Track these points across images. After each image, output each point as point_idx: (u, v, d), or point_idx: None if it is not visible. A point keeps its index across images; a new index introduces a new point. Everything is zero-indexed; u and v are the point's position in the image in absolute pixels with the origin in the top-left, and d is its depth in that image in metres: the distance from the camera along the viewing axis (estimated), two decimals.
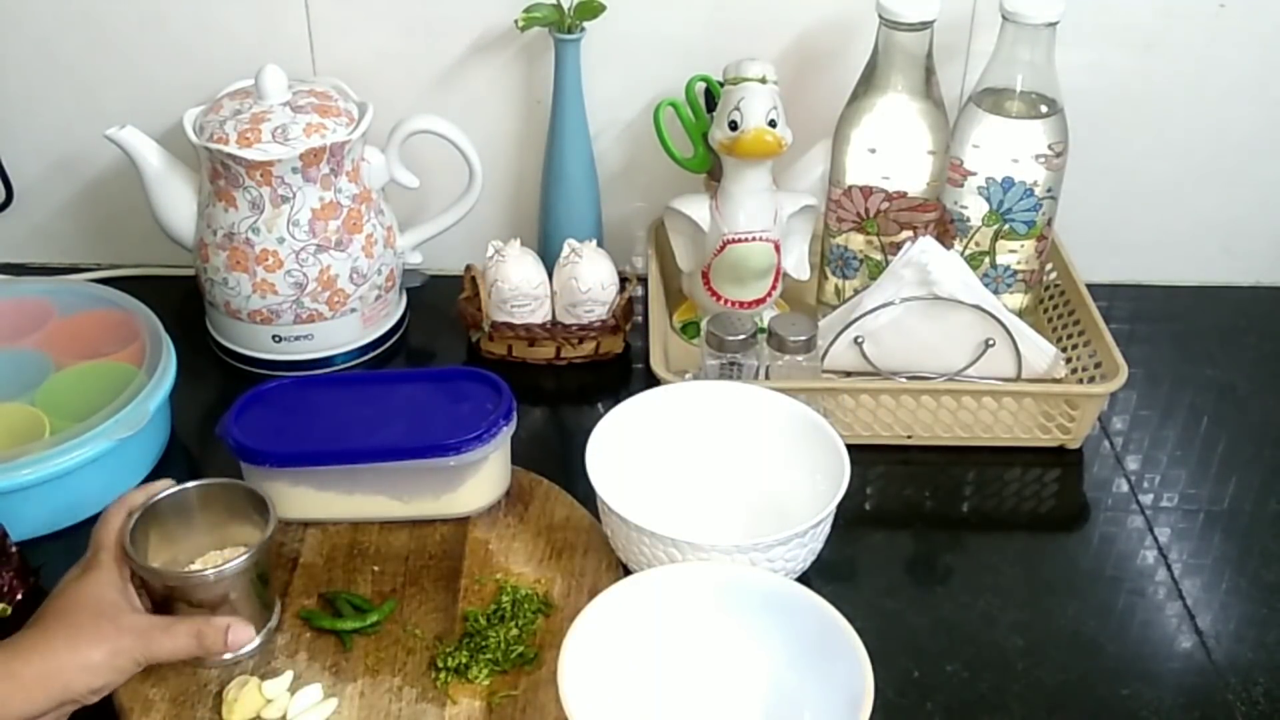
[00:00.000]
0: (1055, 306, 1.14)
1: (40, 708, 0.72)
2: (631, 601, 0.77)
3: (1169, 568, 0.92)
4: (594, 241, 1.11)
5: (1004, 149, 1.04)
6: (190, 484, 0.85)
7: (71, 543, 0.92)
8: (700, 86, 1.11)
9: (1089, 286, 1.11)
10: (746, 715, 0.77)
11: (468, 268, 1.13)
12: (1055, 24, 1.00)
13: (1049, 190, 1.05)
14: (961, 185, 1.06)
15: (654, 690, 0.77)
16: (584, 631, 0.74)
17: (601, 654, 0.74)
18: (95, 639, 0.75)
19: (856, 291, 1.09)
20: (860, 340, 1.03)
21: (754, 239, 1.07)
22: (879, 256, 1.09)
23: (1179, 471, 1.02)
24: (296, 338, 1.08)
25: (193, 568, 0.84)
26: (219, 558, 0.85)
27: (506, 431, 0.90)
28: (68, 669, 0.73)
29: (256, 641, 0.82)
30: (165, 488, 0.84)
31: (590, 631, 0.74)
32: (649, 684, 0.77)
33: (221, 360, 1.11)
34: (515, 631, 0.82)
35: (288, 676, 0.80)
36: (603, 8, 1.07)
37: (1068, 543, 0.96)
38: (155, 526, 0.83)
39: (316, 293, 1.06)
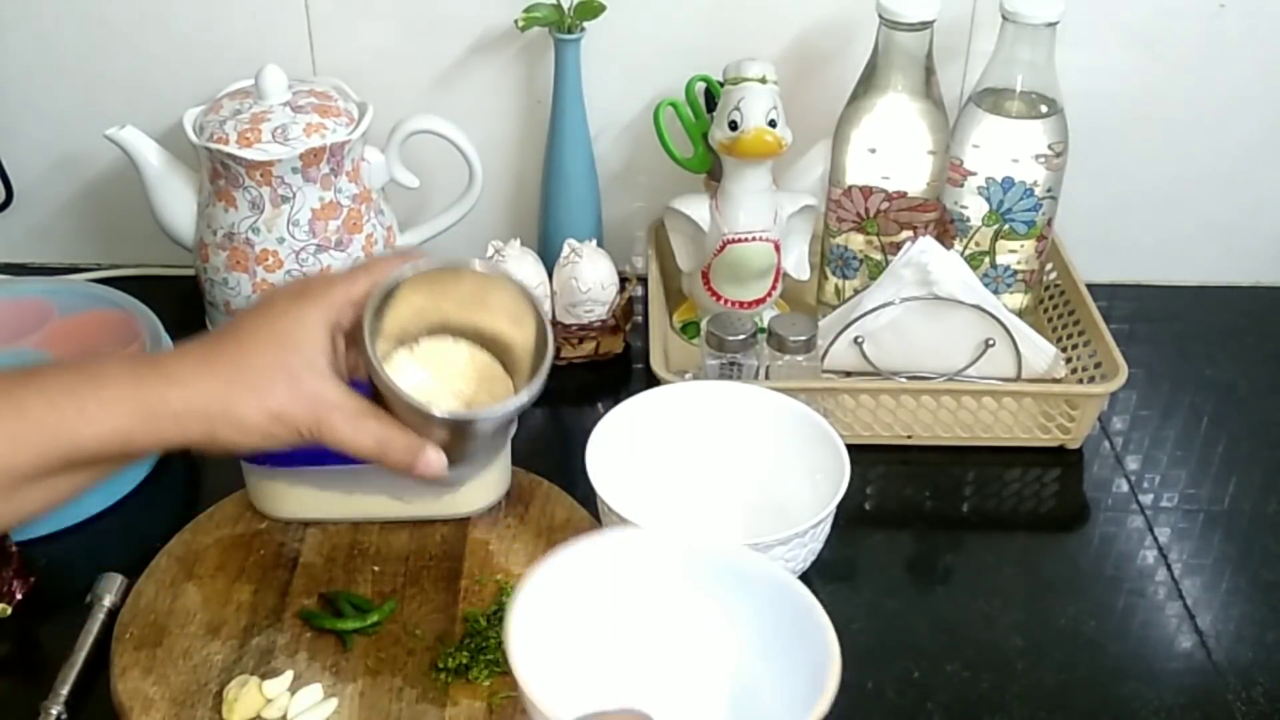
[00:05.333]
0: (1055, 306, 1.14)
1: (167, 441, 0.63)
2: (589, 564, 0.72)
3: (1169, 568, 0.93)
4: (594, 241, 1.11)
5: (1004, 149, 1.04)
6: (466, 268, 0.70)
7: (72, 543, 0.92)
8: (700, 86, 1.11)
9: (1089, 286, 1.11)
10: (704, 686, 0.74)
11: None
12: (1055, 24, 1.00)
13: (1049, 190, 1.05)
14: (961, 185, 1.06)
15: (609, 656, 0.73)
16: (537, 591, 0.69)
17: (555, 615, 0.70)
18: (262, 392, 0.62)
19: (856, 291, 1.09)
20: (860, 340, 1.03)
21: (754, 239, 1.07)
22: (879, 256, 1.09)
23: (1179, 471, 1.02)
24: None
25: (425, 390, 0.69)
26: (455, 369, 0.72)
27: None
28: (217, 414, 0.62)
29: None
30: (436, 263, 0.68)
31: (544, 591, 0.69)
32: (604, 649, 0.73)
33: None
34: None
35: (288, 676, 0.80)
36: (603, 8, 1.07)
37: (1068, 543, 0.96)
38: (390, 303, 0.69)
39: None
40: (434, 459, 0.66)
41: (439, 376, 0.71)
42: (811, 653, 0.67)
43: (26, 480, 0.62)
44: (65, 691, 0.79)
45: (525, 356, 0.71)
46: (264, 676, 0.79)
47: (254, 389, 0.62)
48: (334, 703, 0.78)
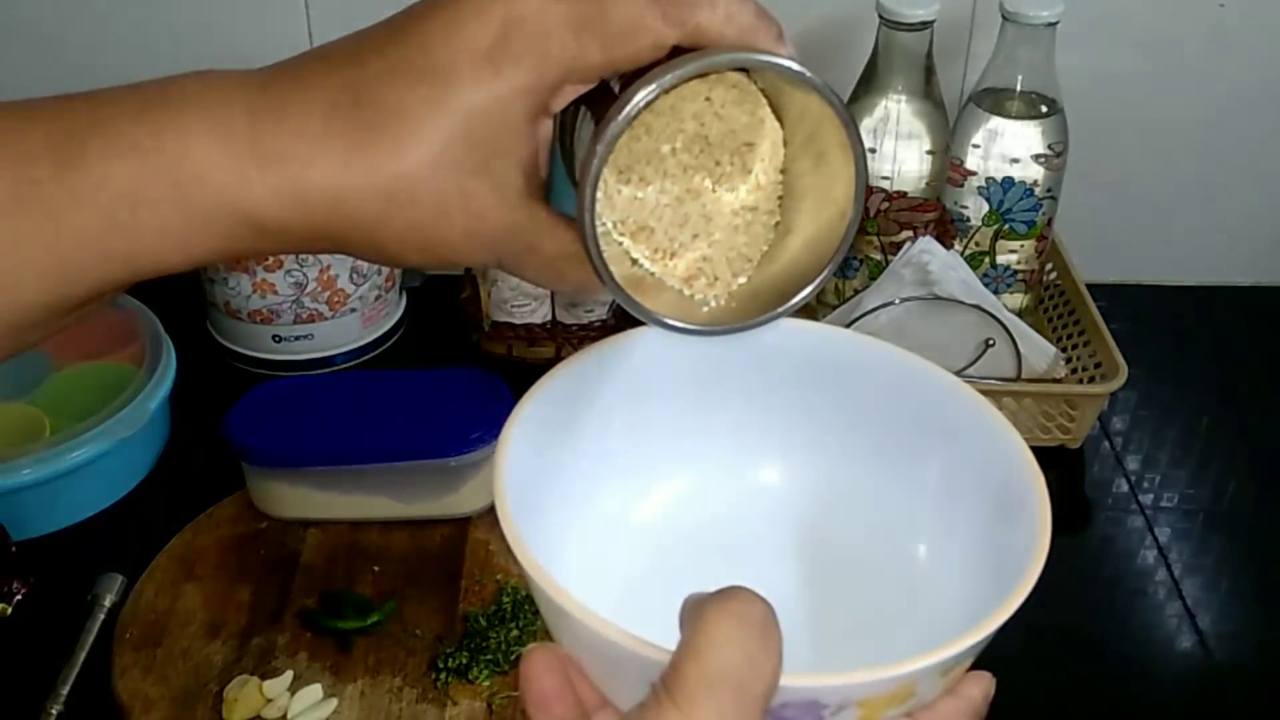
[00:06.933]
0: (1055, 306, 1.14)
1: (278, 253, 0.43)
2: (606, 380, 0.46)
3: (1169, 568, 0.93)
4: None
5: (1004, 149, 1.04)
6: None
7: (72, 543, 0.92)
8: None
9: (1089, 286, 1.11)
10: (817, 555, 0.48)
11: (467, 268, 1.13)
12: (1055, 24, 0.99)
13: (1049, 190, 1.05)
14: (961, 185, 1.06)
15: (665, 514, 0.49)
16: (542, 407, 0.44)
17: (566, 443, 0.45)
18: (428, 229, 0.41)
19: (856, 291, 1.09)
20: None
21: None
22: (879, 256, 1.09)
23: (1179, 471, 1.02)
24: (296, 338, 1.08)
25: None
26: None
27: None
28: (357, 241, 0.41)
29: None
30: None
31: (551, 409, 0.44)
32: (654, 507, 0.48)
33: (221, 360, 1.11)
34: (516, 633, 0.82)
35: (288, 676, 0.80)
36: None
37: (1068, 543, 0.96)
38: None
39: (316, 293, 1.06)
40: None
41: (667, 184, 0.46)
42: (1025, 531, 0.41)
43: (81, 306, 0.43)
44: (65, 691, 0.79)
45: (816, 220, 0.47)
46: (264, 676, 0.79)
47: (414, 222, 0.41)
48: (334, 703, 0.78)
